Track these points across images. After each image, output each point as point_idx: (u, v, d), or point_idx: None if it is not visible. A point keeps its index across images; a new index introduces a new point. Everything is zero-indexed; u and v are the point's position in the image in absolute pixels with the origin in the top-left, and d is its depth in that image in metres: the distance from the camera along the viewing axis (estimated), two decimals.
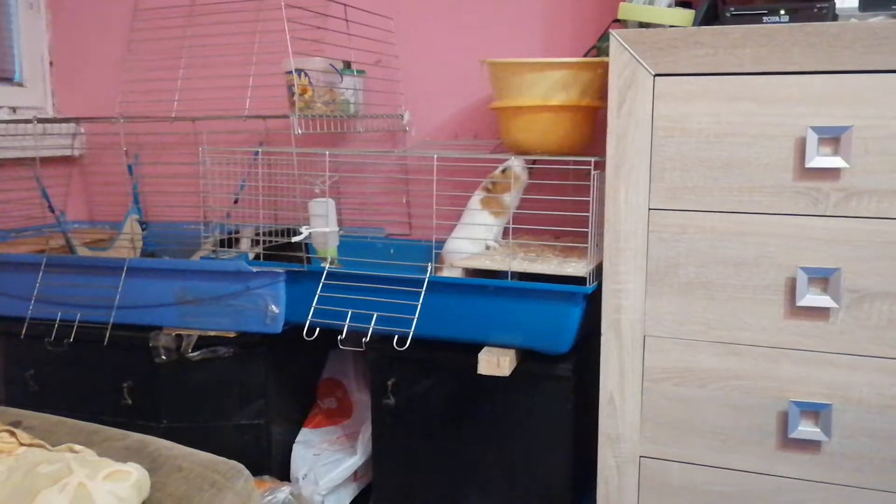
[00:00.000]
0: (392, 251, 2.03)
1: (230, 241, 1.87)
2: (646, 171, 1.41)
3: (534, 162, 1.86)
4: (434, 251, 1.66)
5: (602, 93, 1.59)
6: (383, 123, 2.04)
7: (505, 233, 1.71)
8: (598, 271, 1.53)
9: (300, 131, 1.69)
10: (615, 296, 1.45)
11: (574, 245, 1.68)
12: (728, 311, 1.40)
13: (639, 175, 1.41)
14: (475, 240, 1.67)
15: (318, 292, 1.62)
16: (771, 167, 1.34)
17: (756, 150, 1.34)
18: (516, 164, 1.61)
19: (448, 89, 2.03)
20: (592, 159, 1.53)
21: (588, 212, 1.49)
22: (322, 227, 1.72)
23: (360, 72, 1.96)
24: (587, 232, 1.52)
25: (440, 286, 1.58)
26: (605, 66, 1.45)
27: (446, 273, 1.66)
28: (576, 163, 1.60)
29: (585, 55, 1.78)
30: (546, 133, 1.64)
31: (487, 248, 1.70)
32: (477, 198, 1.68)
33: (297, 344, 1.67)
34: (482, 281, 1.57)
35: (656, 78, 1.36)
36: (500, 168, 1.65)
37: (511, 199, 1.64)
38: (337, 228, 1.76)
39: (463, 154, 1.73)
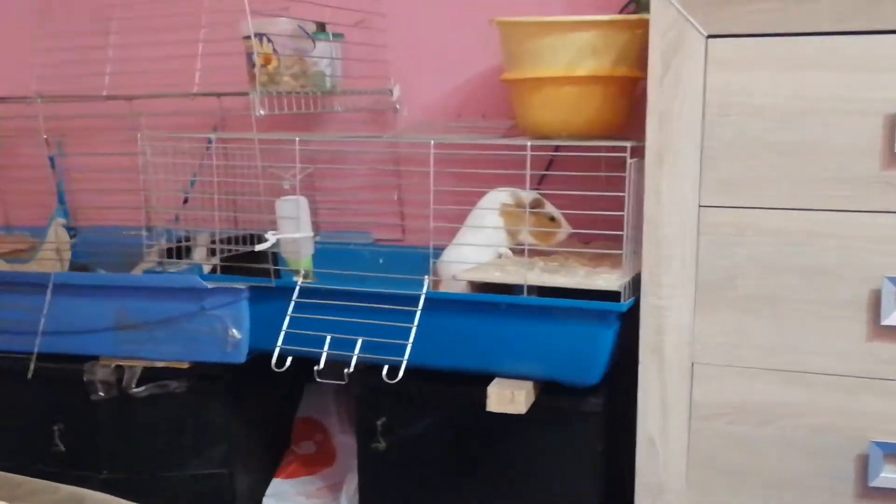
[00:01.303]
0: (381, 261, 2.02)
1: (180, 251, 1.88)
2: (695, 158, 1.41)
3: (556, 149, 1.87)
4: (432, 261, 1.65)
5: (641, 60, 1.58)
6: (367, 101, 2.03)
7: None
8: (636, 284, 1.53)
9: (263, 112, 1.69)
10: (657, 314, 1.47)
11: (606, 252, 1.68)
12: (796, 332, 1.41)
13: (686, 163, 1.42)
14: (483, 247, 1.68)
15: (290, 313, 1.62)
16: (854, 153, 1.33)
17: (836, 130, 1.34)
18: (564, 232, 1.66)
19: (448, 57, 2.01)
20: (628, 144, 1.53)
21: (623, 210, 1.49)
22: (293, 232, 1.73)
23: (338, 36, 1.94)
24: (622, 235, 1.52)
25: (440, 304, 1.59)
26: (646, 26, 1.45)
27: (447, 288, 1.67)
28: (608, 149, 1.59)
29: (620, 12, 1.77)
30: (571, 111, 1.65)
31: (499, 256, 1.72)
32: (494, 197, 1.69)
33: (264, 376, 1.67)
34: (492, 297, 1.58)
35: (709, 40, 1.36)
36: (550, 212, 1.68)
37: (532, 242, 1.67)
38: (311, 234, 1.76)
39: (467, 139, 1.74)
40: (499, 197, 1.71)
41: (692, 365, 1.46)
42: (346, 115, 2.07)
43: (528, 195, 1.73)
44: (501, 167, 1.74)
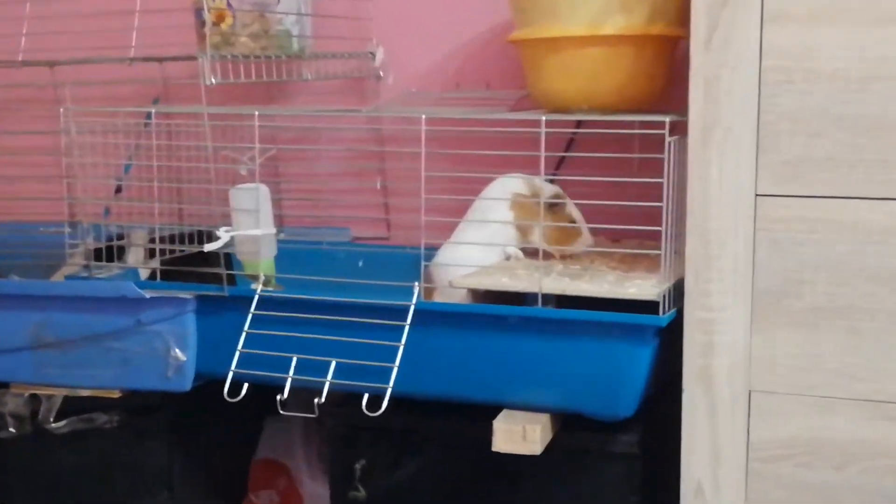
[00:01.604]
0: (360, 264, 2.02)
1: (111, 252, 1.88)
2: (750, 136, 1.41)
3: (577, 124, 1.86)
4: (424, 263, 1.67)
5: (682, 15, 1.59)
6: (344, 67, 2.03)
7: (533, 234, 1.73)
8: (678, 292, 1.53)
9: (214, 81, 1.70)
10: (704, 329, 1.46)
11: (640, 252, 1.69)
12: (880, 352, 1.40)
13: (740, 143, 1.41)
14: (488, 246, 1.69)
15: (246, 329, 1.63)
16: None
17: None
18: (583, 242, 1.72)
19: (444, 13, 2.01)
20: (667, 119, 1.52)
21: (661, 201, 1.50)
22: (251, 228, 1.72)
23: None
24: (660, 232, 1.52)
25: (434, 318, 1.59)
26: None
27: (443, 297, 1.68)
28: (642, 125, 1.60)
29: None
30: (596, 79, 1.65)
31: (507, 258, 1.73)
32: (505, 185, 1.71)
33: (215, 408, 1.67)
34: (499, 309, 1.58)
35: None
36: (571, 213, 1.71)
37: (535, 239, 1.69)
38: (274, 230, 1.76)
39: (467, 114, 1.73)
40: (510, 185, 1.72)
41: (749, 393, 1.46)
42: (318, 84, 2.07)
43: (546, 186, 1.72)
44: (509, 148, 1.74)
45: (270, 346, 1.61)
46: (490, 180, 1.76)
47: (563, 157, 1.91)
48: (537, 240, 1.68)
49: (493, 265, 1.70)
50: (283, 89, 2.11)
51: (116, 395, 1.77)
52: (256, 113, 1.71)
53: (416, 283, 1.60)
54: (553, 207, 1.69)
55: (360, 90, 2.09)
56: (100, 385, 1.76)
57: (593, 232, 1.78)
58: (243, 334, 1.62)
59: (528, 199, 1.70)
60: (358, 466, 1.70)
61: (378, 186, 2.05)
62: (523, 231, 1.72)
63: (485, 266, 1.68)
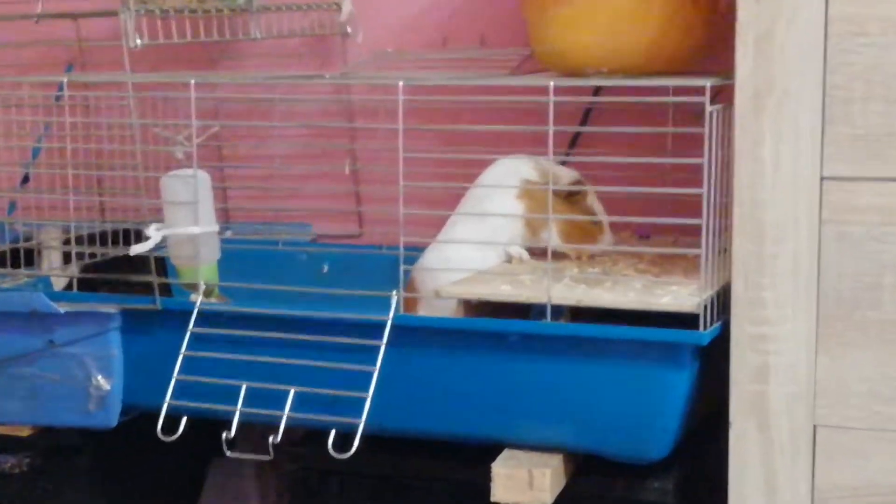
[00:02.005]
0: (325, 269, 2.03)
1: (17, 256, 1.88)
2: (814, 103, 1.40)
3: (595, 91, 1.84)
4: (404, 268, 1.64)
5: None
6: (303, 22, 2.02)
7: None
8: (723, 302, 1.53)
9: (140, 42, 1.70)
10: (757, 348, 1.45)
11: (675, 251, 1.69)
12: None
13: (800, 112, 1.40)
14: (487, 245, 1.71)
15: (184, 351, 1.63)
16: None
17: None
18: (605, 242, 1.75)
19: None
20: (708, 83, 1.49)
21: (701, 186, 1.49)
22: (188, 225, 1.73)
23: None
24: (699, 225, 1.50)
25: (417, 336, 1.60)
26: None
27: (428, 310, 1.68)
28: (677, 90, 1.58)
29: None
30: (619, 33, 1.65)
31: (509, 259, 1.74)
32: (510, 168, 1.72)
33: (147, 448, 1.67)
34: (497, 324, 1.58)
35: None
36: (592, 205, 1.74)
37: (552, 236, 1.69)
38: (217, 228, 1.77)
39: (457, 79, 1.72)
40: (518, 169, 1.73)
41: (814, 429, 1.45)
42: (270, 44, 2.04)
43: (562, 171, 1.72)
44: (510, 122, 1.73)
45: (214, 371, 1.62)
46: (486, 163, 1.75)
47: (578, 134, 1.90)
48: (553, 238, 1.68)
49: (490, 270, 1.70)
50: (226, 51, 2.11)
51: (26, 432, 1.78)
52: (193, 81, 1.70)
53: (395, 293, 1.60)
54: (572, 197, 1.71)
55: (322, 51, 2.08)
56: (5, 420, 1.77)
57: (616, 227, 1.78)
58: (180, 357, 1.63)
59: (542, 186, 1.68)
60: None
61: (347, 171, 2.02)
62: (533, 227, 1.72)
63: (480, 271, 1.69)
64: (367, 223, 2.08)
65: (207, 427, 1.62)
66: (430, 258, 1.72)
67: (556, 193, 1.67)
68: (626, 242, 1.80)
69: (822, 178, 1.40)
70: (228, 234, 2.03)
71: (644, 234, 1.86)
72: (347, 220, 2.08)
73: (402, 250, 1.62)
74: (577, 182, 1.73)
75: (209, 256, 1.75)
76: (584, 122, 1.91)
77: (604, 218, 1.74)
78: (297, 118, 2.05)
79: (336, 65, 2.05)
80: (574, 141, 1.91)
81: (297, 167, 2.07)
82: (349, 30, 2.03)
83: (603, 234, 1.74)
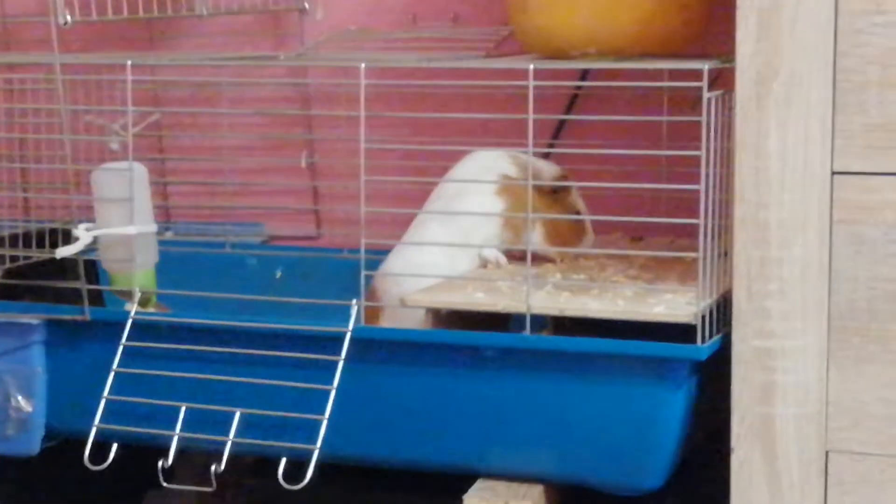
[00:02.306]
0: (277, 274, 2.03)
1: None
2: (824, 89, 1.40)
3: (582, 75, 1.85)
4: (365, 273, 1.64)
5: None
6: None
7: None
8: (724, 311, 1.53)
9: (70, 18, 1.70)
10: (762, 364, 1.46)
11: (670, 255, 1.70)
12: None
13: (808, 99, 1.41)
14: (459, 248, 1.72)
15: (116, 367, 1.63)
16: None
17: None
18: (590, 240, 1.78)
19: None
20: (705, 66, 1.49)
21: (698, 181, 1.49)
22: (122, 224, 1.72)
23: None
24: (697, 225, 1.51)
25: (379, 350, 1.60)
26: None
27: (393, 321, 1.69)
28: (672, 74, 1.60)
29: None
30: (607, 10, 1.66)
31: (483, 264, 1.75)
32: (487, 162, 1.74)
33: (74, 478, 1.68)
34: (470, 337, 1.58)
35: None
36: (575, 203, 1.76)
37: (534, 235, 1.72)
38: (155, 227, 1.77)
39: (426, 61, 1.73)
40: (495, 163, 1.75)
41: (826, 455, 1.44)
42: (218, 21, 2.05)
43: (544, 165, 1.73)
44: (485, 109, 1.74)
45: (150, 391, 1.62)
46: (459, 156, 1.75)
47: (562, 123, 1.91)
48: (536, 239, 1.70)
49: (463, 275, 1.71)
50: (168, 30, 2.11)
51: None
52: (129, 63, 1.69)
53: (355, 302, 1.59)
54: (556, 194, 1.72)
55: (277, 29, 2.08)
56: None
57: (605, 227, 1.79)
58: (112, 375, 1.62)
59: (524, 181, 1.68)
60: None
61: (303, 164, 2.02)
62: (515, 227, 1.72)
63: (451, 277, 1.70)
64: (325, 223, 2.08)
65: (142, 454, 1.60)
66: (393, 263, 1.72)
67: (540, 189, 1.68)
68: (615, 245, 1.79)
69: (832, 173, 1.40)
70: (169, 234, 2.02)
71: (636, 236, 1.87)
72: (303, 220, 2.08)
73: (363, 253, 1.62)
74: (562, 178, 1.73)
75: (146, 260, 1.75)
76: (568, 111, 1.92)
77: (585, 213, 1.75)
78: (248, 105, 2.05)
79: (292, 45, 2.05)
80: (558, 131, 1.92)
81: (247, 160, 2.07)
82: (307, 5, 2.04)
83: (586, 235, 1.75)
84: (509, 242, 1.74)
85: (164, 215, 2.04)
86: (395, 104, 1.78)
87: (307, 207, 2.07)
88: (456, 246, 1.71)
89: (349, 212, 1.77)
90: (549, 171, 1.73)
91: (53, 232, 1.83)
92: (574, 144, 1.82)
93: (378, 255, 1.72)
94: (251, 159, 2.07)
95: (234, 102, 2.05)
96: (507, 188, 1.71)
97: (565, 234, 1.73)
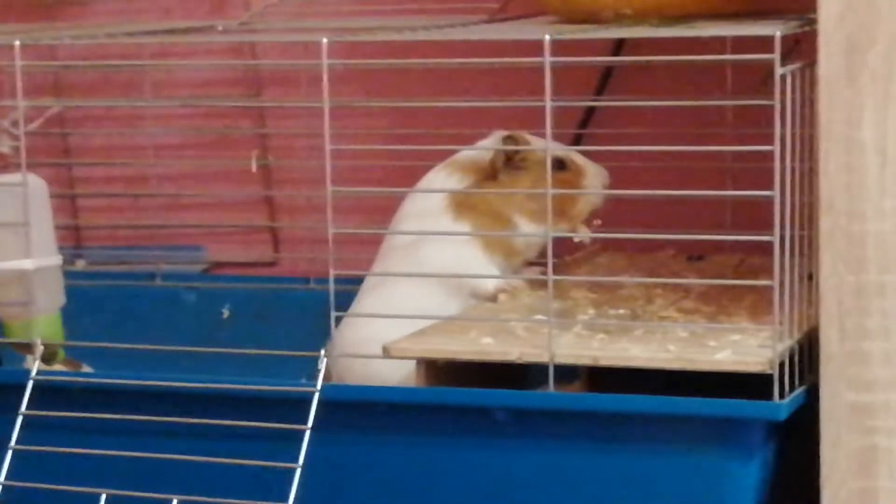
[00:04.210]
0: (225, 313, 2.04)
1: None
2: None
3: (616, 47, 1.87)
4: (335, 314, 1.64)
5: None
6: None
7: (542, 255, 1.73)
8: (809, 356, 1.55)
9: None
10: (860, 425, 1.46)
11: (736, 283, 1.72)
12: None
13: None
14: (446, 290, 1.75)
15: (13, 443, 1.65)
16: None
17: None
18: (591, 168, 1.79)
19: None
20: (777, 31, 1.48)
21: (770, 185, 1.48)
22: (16, 257, 1.74)
23: None
24: (770, 243, 1.50)
25: (356, 416, 1.63)
26: None
27: (369, 378, 1.72)
28: (734, 44, 1.62)
29: None
30: None
31: (494, 297, 1.77)
32: (444, 178, 1.77)
33: None
34: (478, 396, 1.59)
35: None
36: (564, 151, 1.76)
37: (528, 227, 1.75)
38: (59, 258, 1.78)
39: (409, 33, 1.73)
40: (446, 183, 1.78)
41: None
42: None
43: (536, 142, 1.73)
44: (491, 93, 1.78)
45: (59, 472, 1.62)
46: (458, 150, 1.78)
47: (591, 110, 1.92)
48: (527, 229, 1.73)
49: (467, 314, 1.72)
50: None
51: None
52: (18, 43, 1.70)
53: (323, 352, 1.60)
54: (512, 162, 1.74)
55: None
56: None
57: (652, 245, 1.81)
58: (8, 453, 1.64)
59: (477, 174, 1.73)
60: None
61: (253, 168, 1.99)
62: (498, 243, 1.76)
63: (447, 317, 1.71)
64: (284, 245, 2.09)
65: None
66: (371, 299, 1.75)
67: (491, 170, 1.72)
68: (665, 267, 1.81)
69: None
70: (79, 264, 2.03)
71: (693, 255, 1.88)
72: (256, 241, 2.10)
73: (331, 285, 1.62)
74: (507, 141, 1.75)
75: (49, 303, 1.76)
76: (600, 91, 1.93)
77: (578, 158, 1.76)
78: (178, 91, 2.06)
79: (233, 11, 2.07)
80: (587, 119, 1.93)
81: (180, 164, 2.08)
82: None
83: (583, 177, 1.75)
84: (508, 259, 1.77)
85: (73, 239, 2.05)
86: (370, 87, 1.81)
87: (260, 224, 2.09)
88: (442, 276, 1.73)
89: (314, 230, 1.78)
90: (535, 143, 1.75)
91: None
92: (608, 136, 1.84)
93: (353, 286, 1.74)
94: (185, 162, 2.09)
95: (159, 88, 2.06)
96: (463, 204, 1.75)
97: (554, 202, 1.71)
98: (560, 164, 1.74)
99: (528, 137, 1.77)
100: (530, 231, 1.74)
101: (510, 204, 1.73)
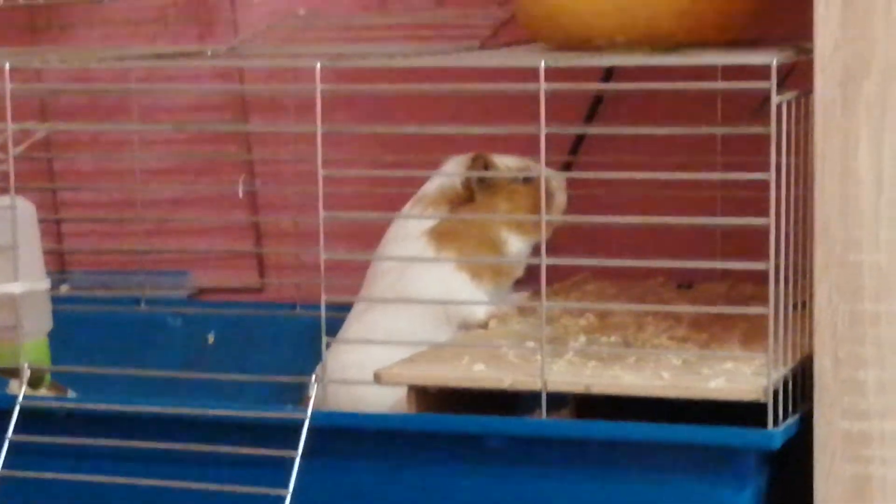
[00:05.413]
0: (210, 339, 2.03)
1: None
2: None
3: (606, 75, 1.87)
4: (326, 340, 1.63)
5: None
6: None
7: (529, 275, 1.76)
8: (803, 384, 1.55)
9: None
10: (853, 453, 1.46)
11: (729, 310, 1.72)
12: None
13: None
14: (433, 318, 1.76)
15: (0, 468, 1.63)
16: None
17: None
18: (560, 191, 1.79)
19: None
20: (773, 60, 1.48)
21: (765, 212, 1.48)
22: (3, 281, 1.73)
23: None
24: (765, 271, 1.50)
25: (346, 442, 1.62)
26: None
27: (360, 405, 1.72)
28: (727, 72, 1.62)
29: None
30: None
31: (485, 324, 1.77)
32: (418, 213, 1.78)
33: None
34: (470, 423, 1.59)
35: None
36: (522, 163, 1.77)
37: (517, 241, 1.77)
38: (46, 283, 1.78)
39: (400, 59, 1.74)
40: (419, 224, 1.79)
41: None
42: (123, 8, 2.07)
43: (500, 160, 1.75)
44: (482, 120, 1.76)
45: (44, 497, 1.64)
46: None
47: (581, 137, 1.92)
48: (517, 245, 1.75)
49: (458, 339, 1.73)
50: (57, 19, 2.12)
51: None
52: (7, 66, 1.69)
53: (314, 378, 1.60)
54: (482, 183, 1.76)
55: (202, 16, 2.10)
56: None
57: (642, 273, 1.81)
58: None
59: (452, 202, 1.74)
60: None
61: (240, 194, 1.99)
62: (478, 273, 1.76)
63: (433, 342, 1.72)
64: (270, 270, 2.09)
65: None
66: (360, 325, 1.75)
67: (466, 194, 1.74)
68: (656, 294, 1.81)
69: None
70: (64, 289, 2.03)
71: (684, 282, 1.88)
72: (242, 266, 2.10)
73: (323, 311, 1.61)
74: (475, 161, 1.76)
75: (36, 327, 1.76)
76: (590, 119, 1.93)
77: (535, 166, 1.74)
78: (165, 116, 2.06)
79: (222, 36, 2.07)
80: (577, 145, 1.93)
81: (166, 189, 2.08)
82: None
83: (548, 183, 1.72)
84: (498, 280, 1.78)
85: (58, 263, 2.06)
86: (358, 111, 1.81)
87: (246, 250, 2.09)
88: (430, 302, 1.74)
89: (302, 255, 1.79)
90: (501, 162, 1.76)
91: None
92: (598, 163, 1.85)
93: (342, 312, 1.73)
94: (171, 187, 2.08)
95: (147, 113, 2.06)
96: (444, 235, 1.76)
97: (527, 209, 1.75)
98: (526, 178, 1.75)
99: (494, 157, 1.77)
100: (519, 245, 1.75)
101: (494, 223, 1.74)
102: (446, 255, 1.76)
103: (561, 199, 1.79)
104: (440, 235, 1.76)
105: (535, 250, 1.74)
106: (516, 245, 1.77)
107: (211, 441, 1.58)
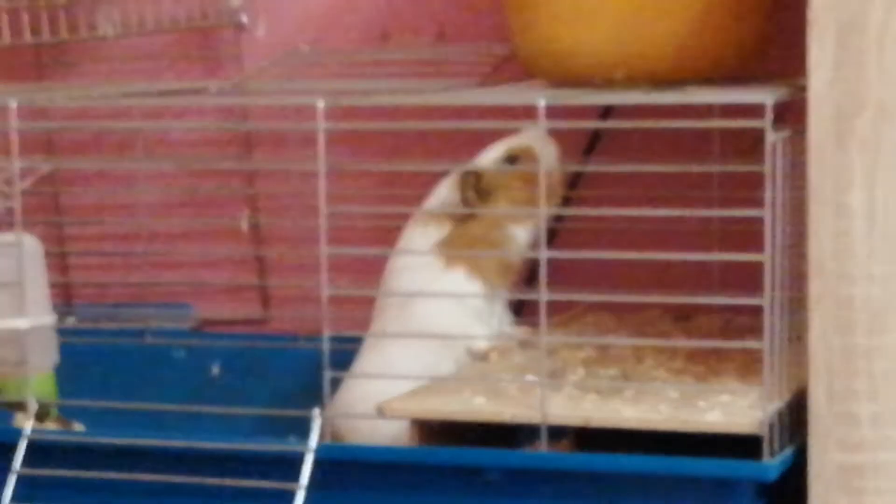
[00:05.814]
0: (215, 371, 2.02)
1: None
2: None
3: (603, 112, 1.86)
4: (330, 374, 1.63)
5: None
6: (176, 10, 2.03)
7: (520, 305, 1.77)
8: (798, 417, 1.53)
9: None
10: (848, 485, 1.45)
11: (725, 345, 1.69)
12: None
13: None
14: (436, 350, 1.77)
15: (6, 502, 1.64)
16: None
17: None
18: (546, 149, 1.75)
19: None
20: (769, 98, 1.49)
21: (761, 248, 1.49)
22: (10, 316, 1.74)
23: None
24: (760, 306, 1.50)
25: (350, 475, 1.61)
26: None
27: (363, 437, 1.73)
28: (724, 110, 1.62)
29: None
30: (639, 25, 1.69)
31: (484, 355, 1.77)
32: (421, 231, 1.79)
33: None
34: (471, 455, 1.59)
35: None
36: (503, 148, 1.77)
37: (523, 232, 1.76)
38: (52, 318, 1.79)
39: (402, 96, 1.76)
40: (426, 239, 1.81)
41: None
42: (129, 43, 2.07)
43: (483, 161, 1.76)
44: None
45: None
46: None
47: (579, 175, 1.92)
48: (523, 237, 1.75)
49: (457, 375, 1.73)
50: (63, 56, 2.12)
51: None
52: (14, 104, 1.70)
53: (317, 410, 1.59)
54: (479, 192, 1.76)
55: (206, 52, 2.10)
56: None
57: (638, 306, 1.80)
58: None
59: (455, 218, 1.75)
60: None
61: (244, 228, 2.03)
62: (483, 275, 1.77)
63: (437, 375, 1.74)
64: (274, 302, 2.09)
65: None
66: (366, 361, 1.76)
67: (466, 206, 1.73)
68: (653, 326, 1.80)
69: None
70: (70, 322, 2.02)
71: (681, 314, 1.88)
72: (245, 299, 2.10)
73: (326, 344, 1.61)
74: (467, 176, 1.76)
75: (43, 362, 1.76)
76: (589, 151, 1.94)
77: (517, 141, 1.76)
78: (170, 151, 2.06)
79: (227, 72, 2.07)
80: (576, 181, 1.92)
81: (170, 223, 2.08)
82: (245, 19, 2.05)
83: (534, 157, 1.74)
84: (506, 278, 1.79)
85: (64, 296, 2.05)
86: (366, 150, 1.81)
87: (250, 283, 2.09)
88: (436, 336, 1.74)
89: (305, 287, 1.77)
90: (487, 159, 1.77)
91: None
92: (597, 197, 1.84)
93: (346, 345, 1.72)
94: (175, 221, 2.08)
95: (151, 148, 2.06)
96: (452, 247, 1.76)
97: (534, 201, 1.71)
98: (512, 159, 1.75)
99: (481, 165, 1.77)
100: (524, 235, 1.76)
101: (501, 223, 1.74)
102: (456, 267, 1.76)
103: (549, 154, 1.74)
104: (449, 248, 1.76)
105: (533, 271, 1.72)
106: (522, 236, 1.77)
107: (216, 473, 1.58)
